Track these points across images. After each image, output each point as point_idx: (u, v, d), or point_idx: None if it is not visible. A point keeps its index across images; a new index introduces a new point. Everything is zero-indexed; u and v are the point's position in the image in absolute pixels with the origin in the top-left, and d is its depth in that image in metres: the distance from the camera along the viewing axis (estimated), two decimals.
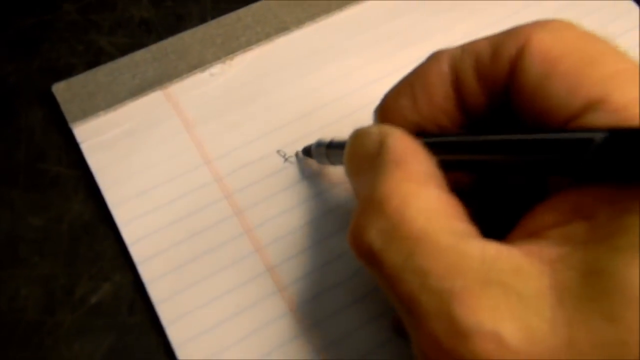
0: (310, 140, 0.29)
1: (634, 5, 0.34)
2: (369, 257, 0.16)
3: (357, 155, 0.19)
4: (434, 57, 0.20)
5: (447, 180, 0.17)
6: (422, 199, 0.16)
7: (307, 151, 0.28)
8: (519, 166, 0.17)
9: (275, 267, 0.26)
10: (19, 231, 0.28)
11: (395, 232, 0.15)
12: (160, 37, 0.33)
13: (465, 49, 0.19)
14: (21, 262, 0.27)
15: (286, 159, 0.29)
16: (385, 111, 0.21)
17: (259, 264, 0.26)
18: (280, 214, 0.27)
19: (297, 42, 0.32)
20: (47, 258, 0.27)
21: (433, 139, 0.19)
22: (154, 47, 0.31)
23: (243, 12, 0.33)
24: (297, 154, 0.29)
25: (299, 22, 0.33)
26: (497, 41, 0.18)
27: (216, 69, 0.31)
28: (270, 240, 0.27)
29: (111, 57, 0.32)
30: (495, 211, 0.20)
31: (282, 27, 0.32)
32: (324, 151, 0.26)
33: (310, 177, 0.28)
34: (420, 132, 0.19)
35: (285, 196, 0.28)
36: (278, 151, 0.29)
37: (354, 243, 0.17)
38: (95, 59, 0.33)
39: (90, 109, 0.30)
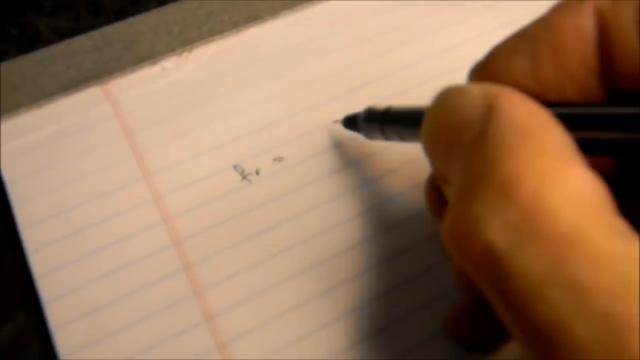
0: (274, 155, 0.23)
1: None
2: (487, 261, 0.11)
3: (448, 123, 0.14)
4: (570, 6, 0.14)
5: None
6: (570, 181, 0.11)
7: (352, 122, 0.22)
8: None
9: (216, 316, 0.20)
10: None
11: (534, 228, 0.11)
12: (110, 22, 0.27)
13: None
14: None
15: (244, 177, 0.23)
16: (489, 71, 0.15)
17: (197, 313, 0.20)
18: (230, 247, 0.22)
19: (270, 34, 0.27)
20: None
21: (565, 110, 0.13)
22: (96, 34, 0.26)
23: None
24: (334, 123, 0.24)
25: (274, 11, 0.27)
26: None
27: (169, 62, 0.26)
28: (215, 281, 0.21)
29: (49, 44, 0.27)
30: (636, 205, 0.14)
31: (253, 16, 0.27)
32: (378, 126, 0.20)
33: (275, 199, 0.23)
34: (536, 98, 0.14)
35: (237, 225, 0.22)
36: (235, 166, 0.23)
37: (459, 242, 0.12)
38: (30, 45, 0.27)
39: (11, 105, 0.24)
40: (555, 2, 0.15)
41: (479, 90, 0.13)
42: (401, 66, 0.26)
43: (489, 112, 0.13)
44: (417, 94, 0.25)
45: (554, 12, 0.15)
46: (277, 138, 0.24)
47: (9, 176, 0.23)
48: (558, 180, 0.11)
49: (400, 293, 0.21)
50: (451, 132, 0.14)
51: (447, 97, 0.14)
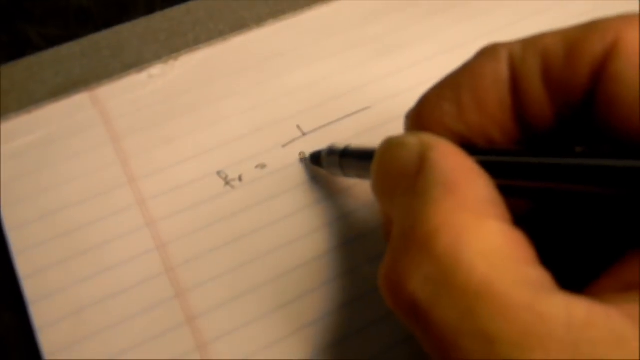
0: (256, 162, 0.24)
1: None
2: (412, 311, 0.13)
3: (389, 172, 0.15)
4: (488, 54, 0.16)
5: (509, 208, 0.13)
6: (483, 236, 0.12)
7: (316, 158, 0.23)
8: (611, 199, 0.13)
9: (197, 317, 0.21)
10: None
11: (449, 282, 0.12)
12: (98, 29, 0.28)
13: (529, 45, 0.15)
14: None
15: (227, 183, 0.24)
16: (422, 117, 0.17)
17: (179, 313, 0.21)
18: (211, 251, 0.22)
19: (255, 42, 0.28)
20: None
21: (488, 158, 0.14)
22: (84, 41, 0.27)
23: (194, 4, 0.28)
24: (302, 159, 0.24)
25: (259, 20, 0.28)
26: (574, 37, 0.14)
27: (156, 69, 0.26)
28: (195, 284, 0.22)
29: (38, 51, 0.27)
30: (558, 243, 0.15)
31: (239, 25, 0.28)
32: (337, 160, 0.21)
33: (260, 204, 0.23)
34: (465, 145, 0.15)
35: (220, 229, 0.23)
36: (219, 172, 0.24)
37: (390, 290, 0.13)
38: (20, 52, 0.28)
39: (1, 110, 0.25)
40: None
41: (415, 141, 0.14)
42: (384, 74, 0.27)
43: (422, 163, 0.14)
44: (398, 103, 0.26)
45: (476, 58, 0.16)
46: (260, 145, 0.25)
47: None
48: (472, 236, 0.12)
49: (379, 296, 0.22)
50: (391, 182, 0.15)
51: (387, 148, 0.15)
